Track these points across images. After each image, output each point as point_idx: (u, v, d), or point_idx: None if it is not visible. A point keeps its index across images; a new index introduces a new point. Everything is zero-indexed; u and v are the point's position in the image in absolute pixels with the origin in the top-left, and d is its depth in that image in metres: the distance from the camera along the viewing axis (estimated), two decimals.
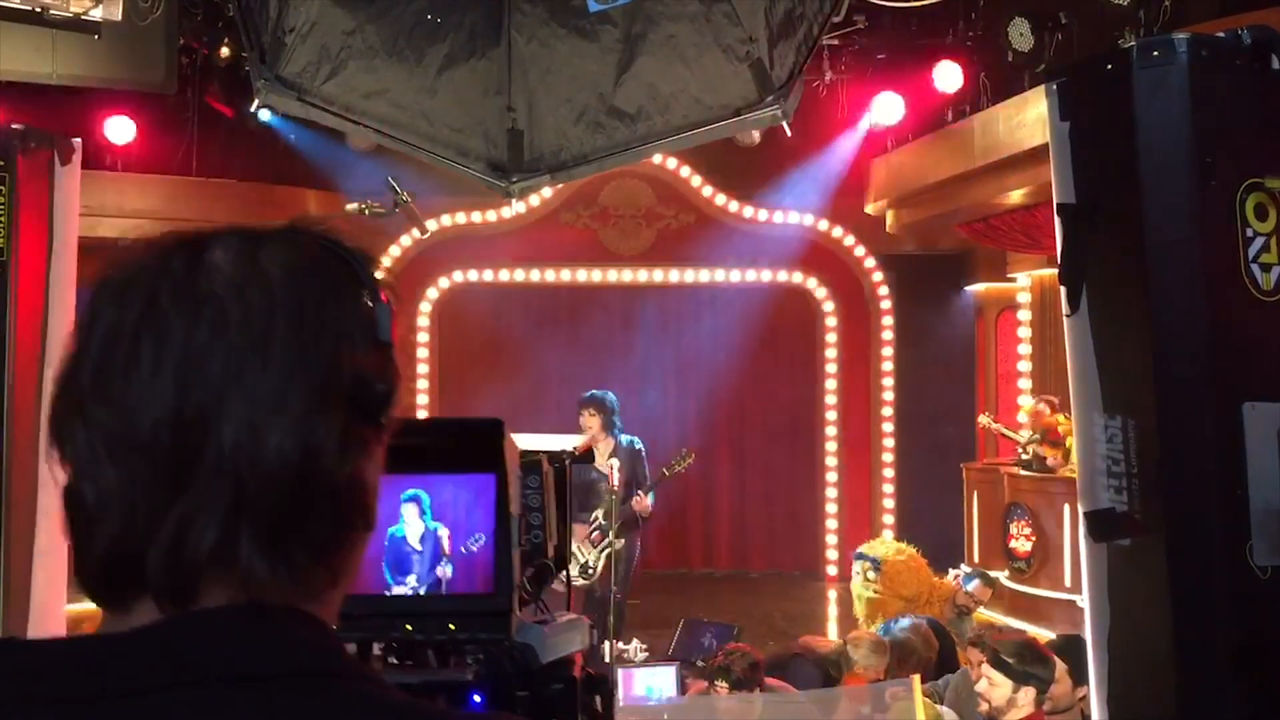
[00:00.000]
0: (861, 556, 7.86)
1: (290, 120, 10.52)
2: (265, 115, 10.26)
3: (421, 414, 11.88)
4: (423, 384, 11.91)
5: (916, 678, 4.61)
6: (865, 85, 10.67)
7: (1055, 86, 2.86)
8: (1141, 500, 2.69)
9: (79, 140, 3.20)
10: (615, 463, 7.35)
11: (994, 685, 4.20)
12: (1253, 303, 2.68)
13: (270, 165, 11.48)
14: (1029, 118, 8.42)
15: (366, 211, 4.95)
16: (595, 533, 7.49)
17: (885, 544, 8.41)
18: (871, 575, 7.66)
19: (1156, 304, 2.67)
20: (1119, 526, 2.70)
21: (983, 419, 10.71)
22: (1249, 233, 2.69)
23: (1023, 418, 10.74)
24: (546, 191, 11.63)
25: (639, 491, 7.60)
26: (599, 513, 7.52)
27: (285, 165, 11.52)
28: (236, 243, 0.99)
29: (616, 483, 7.41)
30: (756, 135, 10.30)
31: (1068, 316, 2.83)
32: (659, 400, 11.61)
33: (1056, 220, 2.85)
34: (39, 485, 3.35)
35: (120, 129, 10.47)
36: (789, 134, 3.95)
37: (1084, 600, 2.81)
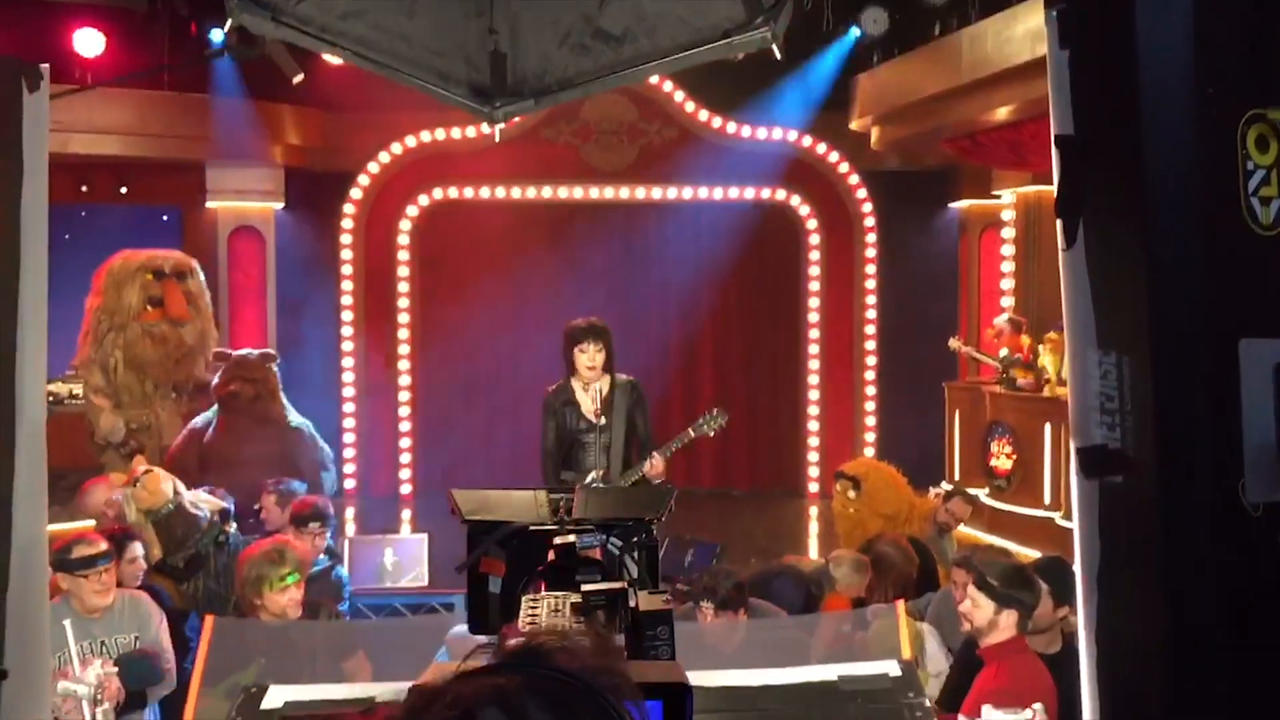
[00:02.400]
0: (842, 475, 7.89)
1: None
2: (218, 37, 9.98)
3: (403, 333, 11.82)
4: (403, 302, 11.82)
5: (901, 603, 4.64)
6: None
7: (1055, 14, 2.78)
8: (1134, 437, 2.67)
9: (47, 66, 3.09)
10: (608, 384, 6.20)
11: (977, 606, 4.23)
12: (1251, 237, 2.64)
13: (245, 81, 11.24)
14: (1017, 33, 8.30)
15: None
16: None
17: (865, 463, 8.45)
18: (852, 494, 7.70)
19: (1153, 238, 2.62)
20: (1111, 464, 2.69)
21: (953, 343, 10.72)
22: (1249, 165, 2.64)
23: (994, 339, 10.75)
24: None
25: (652, 454, 6.18)
26: (593, 476, 6.12)
27: (261, 80, 11.28)
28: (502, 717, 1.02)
29: (608, 429, 6.16)
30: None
31: (1063, 251, 2.78)
32: (641, 318, 11.56)
33: (1054, 152, 2.80)
34: (16, 413, 3.28)
35: (89, 41, 10.20)
36: (779, 56, 3.85)
37: (1075, 533, 2.81)
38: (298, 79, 6.25)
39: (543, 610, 1.76)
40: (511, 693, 1.03)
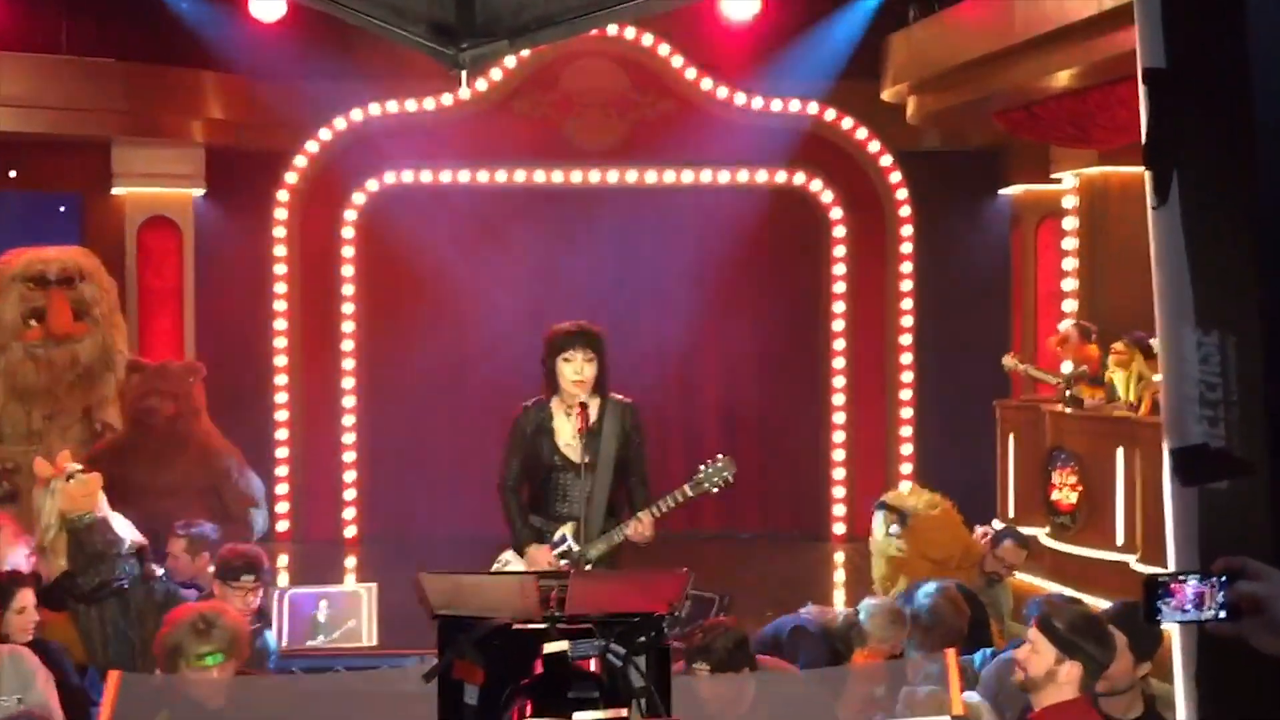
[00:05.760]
0: (885, 507, 7.81)
1: None
2: None
3: (347, 345, 11.74)
4: (348, 308, 11.76)
5: (952, 652, 4.58)
6: None
7: None
8: (1241, 434, 2.63)
9: None
10: (597, 408, 5.84)
11: (1036, 652, 4.20)
12: None
13: (156, 42, 11.23)
14: None
15: None
16: (563, 562, 5.77)
17: (915, 494, 8.37)
18: (895, 530, 7.63)
19: (1265, 192, 2.58)
20: (1213, 466, 2.64)
21: (1007, 361, 10.68)
22: None
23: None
24: (497, 73, 11.44)
25: (639, 514, 5.83)
26: (563, 533, 5.89)
27: (176, 42, 11.27)
28: None
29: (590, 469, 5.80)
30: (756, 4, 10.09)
31: (1154, 209, 2.74)
32: (633, 327, 11.49)
33: (1141, 90, 2.75)
34: None
35: None
36: None
37: (1169, 553, 2.75)
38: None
39: None
40: None
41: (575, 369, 5.79)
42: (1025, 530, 8.76)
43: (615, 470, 5.90)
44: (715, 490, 5.88)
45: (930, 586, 6.39)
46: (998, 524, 9.68)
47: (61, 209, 12.06)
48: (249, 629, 5.06)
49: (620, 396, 6.00)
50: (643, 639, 2.12)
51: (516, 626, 2.11)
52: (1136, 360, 9.30)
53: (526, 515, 6.04)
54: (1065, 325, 10.61)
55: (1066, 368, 10.25)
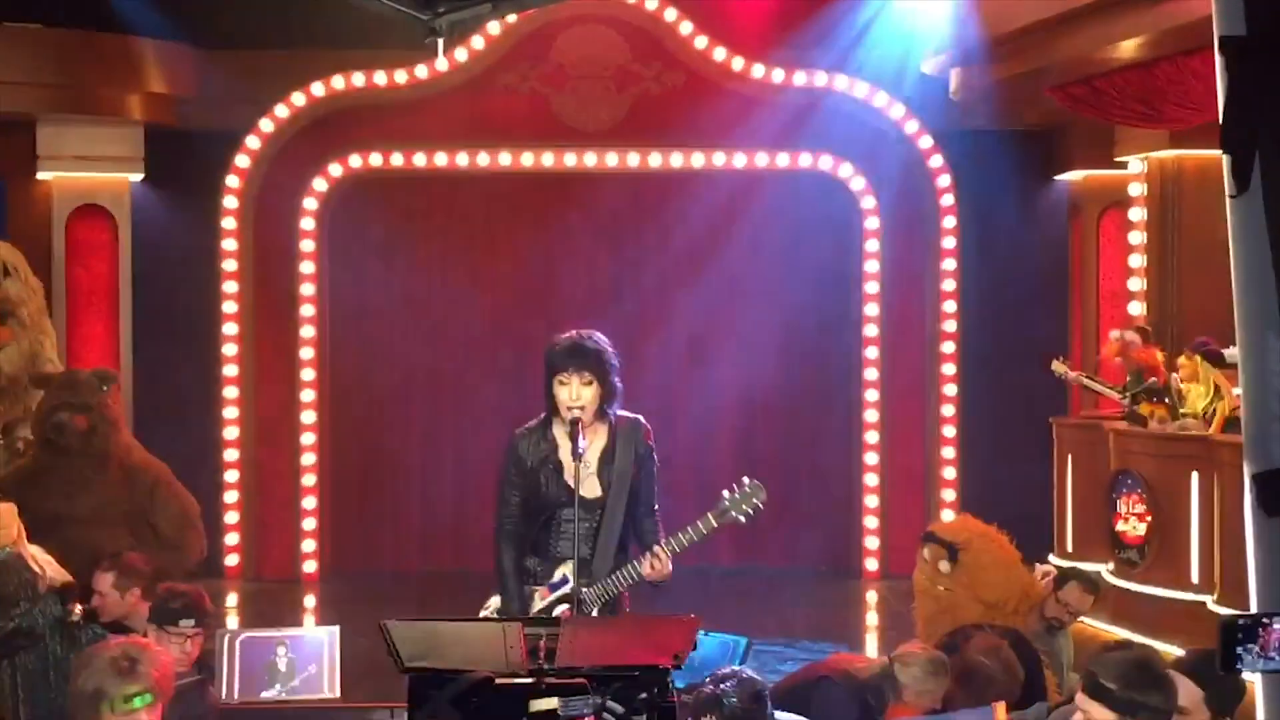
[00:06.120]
0: (933, 539, 7.80)
1: None
2: None
3: (307, 353, 11.75)
4: (308, 310, 11.76)
5: (1001, 706, 4.60)
6: None
7: None
8: None
9: None
10: (605, 433, 5.73)
11: None
12: None
13: (89, 6, 11.26)
14: None
15: None
16: (563, 606, 5.69)
17: (966, 525, 8.32)
18: (945, 566, 7.62)
19: None
20: None
21: (1057, 366, 10.67)
22: None
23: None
24: (479, 41, 11.47)
25: (654, 550, 5.73)
26: (565, 570, 5.79)
27: (111, 6, 11.30)
28: None
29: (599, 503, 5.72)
30: None
31: (1232, 197, 2.76)
32: (634, 330, 11.53)
33: (1218, 61, 2.77)
34: None
35: None
36: None
37: (1251, 592, 2.77)
38: None
39: None
40: None
41: (571, 394, 5.59)
42: (1087, 566, 8.75)
43: (635, 494, 5.78)
44: (743, 520, 5.76)
45: (980, 643, 6.39)
46: (1055, 560, 9.68)
47: None
48: (175, 665, 5.06)
49: (626, 414, 5.84)
50: (644, 695, 2.14)
51: (499, 681, 2.15)
52: (1204, 372, 9.32)
53: (520, 569, 5.90)
54: (1116, 334, 10.53)
55: (1130, 378, 10.23)
